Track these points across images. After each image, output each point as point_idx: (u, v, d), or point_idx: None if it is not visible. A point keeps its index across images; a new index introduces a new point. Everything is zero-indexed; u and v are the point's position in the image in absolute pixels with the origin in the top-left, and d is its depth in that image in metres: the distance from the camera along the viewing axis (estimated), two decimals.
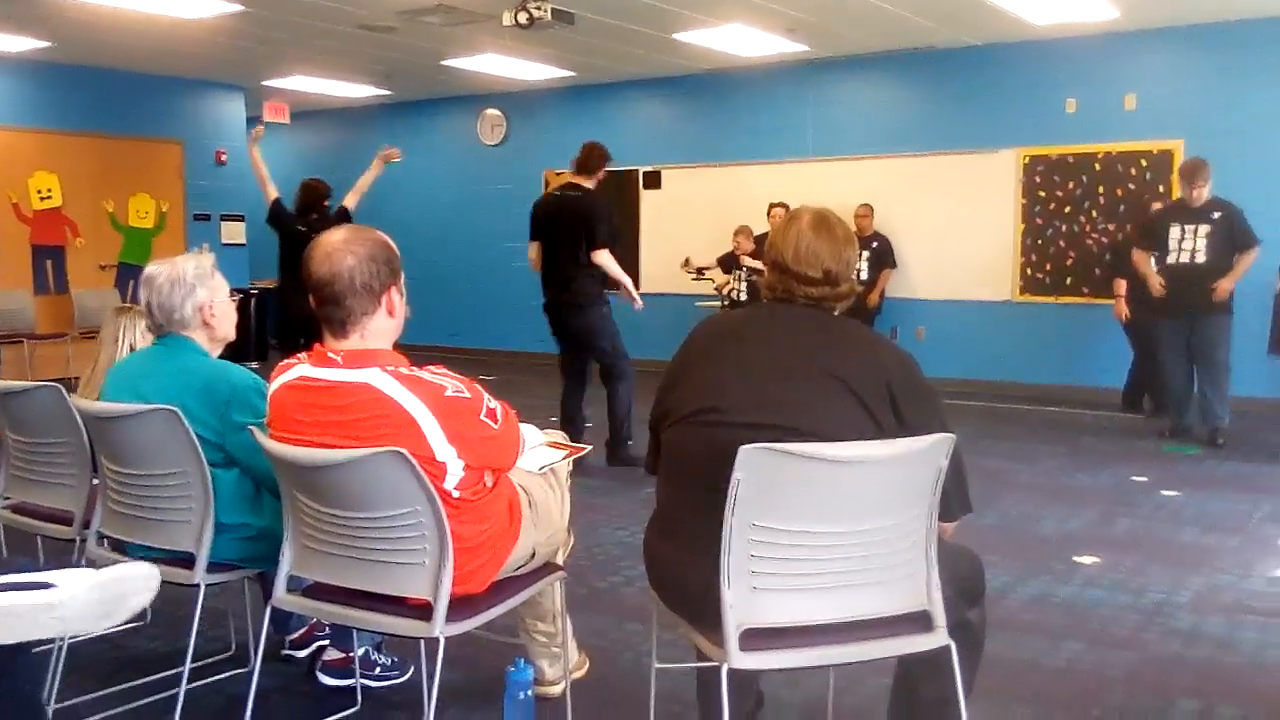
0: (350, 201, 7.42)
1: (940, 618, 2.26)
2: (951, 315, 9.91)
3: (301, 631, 3.41)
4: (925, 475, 2.22)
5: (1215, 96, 8.69)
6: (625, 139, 11.59)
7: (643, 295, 11.22)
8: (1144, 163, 9.04)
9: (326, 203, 7.53)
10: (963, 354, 9.77)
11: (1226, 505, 5.52)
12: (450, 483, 2.35)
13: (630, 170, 11.54)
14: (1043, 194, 9.50)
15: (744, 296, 9.52)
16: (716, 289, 9.92)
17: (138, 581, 2.13)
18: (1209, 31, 8.65)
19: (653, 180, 11.48)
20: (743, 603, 2.14)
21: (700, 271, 9.92)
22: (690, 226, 10.87)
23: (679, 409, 2.36)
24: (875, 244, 9.87)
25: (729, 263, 9.82)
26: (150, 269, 2.89)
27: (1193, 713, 3.07)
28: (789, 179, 10.46)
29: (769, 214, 9.49)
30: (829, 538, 2.17)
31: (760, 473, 2.10)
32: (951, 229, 9.83)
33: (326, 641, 3.33)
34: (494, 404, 2.44)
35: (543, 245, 6.42)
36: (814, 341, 2.32)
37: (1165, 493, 5.82)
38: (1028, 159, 9.51)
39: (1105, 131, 9.16)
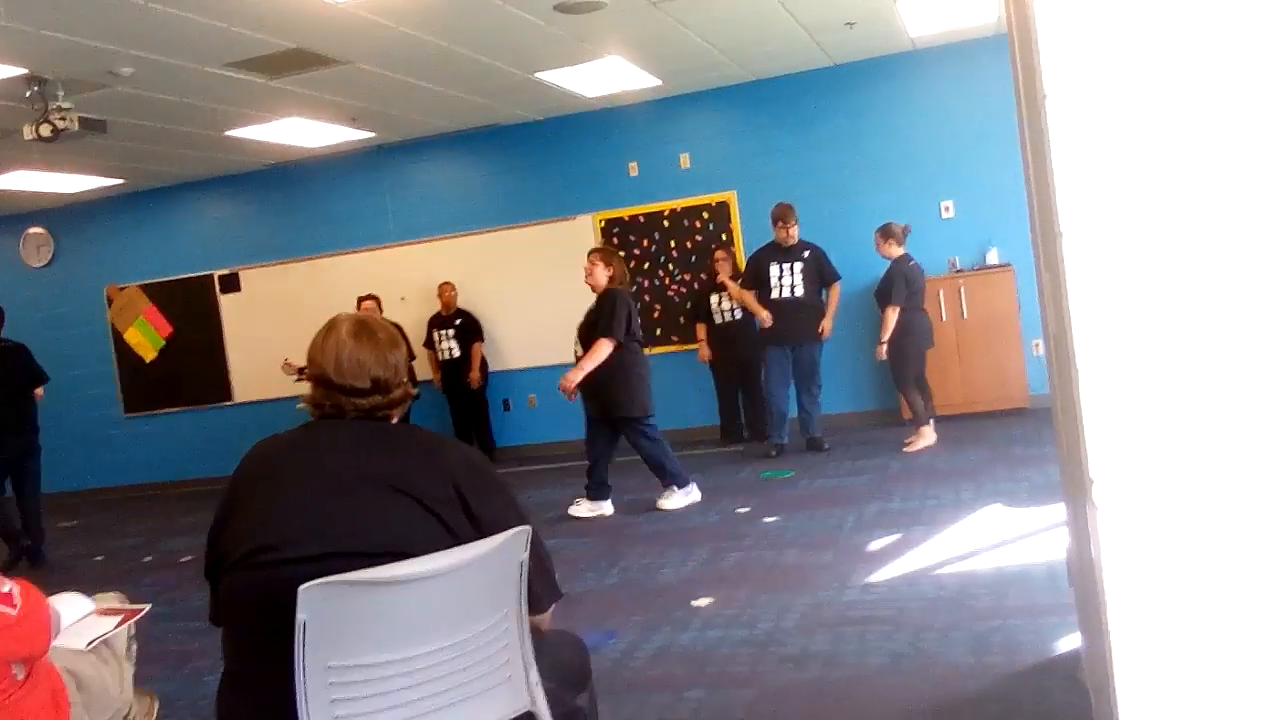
0: None
1: (545, 716, 2.19)
2: (558, 379, 10.08)
3: None
4: (507, 573, 2.15)
5: (755, 148, 9.54)
6: (193, 243, 10.94)
7: (237, 406, 10.81)
8: (705, 215, 9.73)
9: None
10: (574, 415, 9.91)
11: (818, 522, 5.95)
12: None
13: (204, 275, 10.88)
14: (621, 254, 9.92)
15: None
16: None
17: None
18: (741, 91, 9.50)
19: (230, 283, 10.86)
20: None
21: (301, 371, 9.43)
22: (276, 327, 10.34)
23: (232, 552, 2.13)
24: (459, 320, 9.93)
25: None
26: None
27: None
28: (371, 266, 10.32)
29: (359, 308, 9.25)
30: (415, 661, 2.03)
31: (327, 609, 1.93)
32: (544, 296, 10.05)
33: None
34: (8, 586, 2.10)
35: None
36: (371, 455, 2.18)
37: (766, 520, 6.18)
38: (603, 222, 9.95)
39: (667, 190, 9.78)
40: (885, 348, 7.89)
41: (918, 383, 8.04)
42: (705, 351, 9.09)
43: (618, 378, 6.66)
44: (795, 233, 8.14)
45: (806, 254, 8.16)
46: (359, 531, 2.07)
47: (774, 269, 8.15)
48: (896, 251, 7.96)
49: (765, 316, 8.12)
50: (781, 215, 8.13)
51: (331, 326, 2.27)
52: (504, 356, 10.12)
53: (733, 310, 8.88)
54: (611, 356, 6.61)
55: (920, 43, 8.83)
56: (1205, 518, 1.88)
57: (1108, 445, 1.89)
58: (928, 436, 7.88)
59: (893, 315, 7.84)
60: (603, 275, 6.80)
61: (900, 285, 7.85)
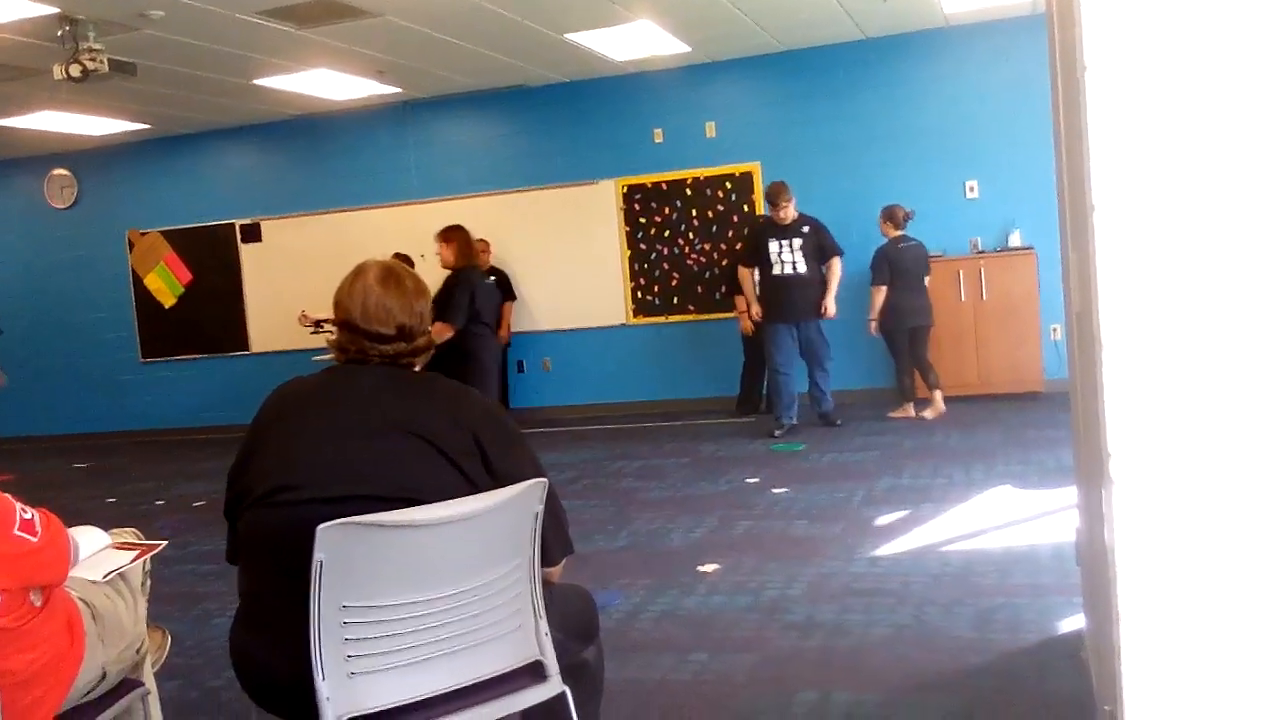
0: None
1: (553, 665, 2.21)
2: (574, 343, 10.13)
3: None
4: (522, 523, 2.17)
5: (783, 119, 9.48)
6: (216, 191, 10.96)
7: (253, 355, 10.87)
8: (729, 185, 9.69)
9: None
10: (588, 380, 10.02)
11: (828, 495, 5.97)
12: None
13: (226, 224, 10.91)
14: (643, 220, 9.94)
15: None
16: None
17: None
18: (771, 61, 9.43)
19: (251, 233, 10.89)
20: (341, 691, 1.99)
21: (319, 324, 9.49)
22: (296, 278, 10.38)
23: (253, 490, 2.16)
24: (494, 277, 9.91)
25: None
26: None
27: (811, 703, 3.23)
28: (392, 222, 10.33)
29: None
30: (428, 605, 2.06)
31: (344, 550, 1.95)
32: (564, 259, 10.06)
33: None
34: (30, 513, 2.12)
35: None
36: (394, 401, 2.20)
37: (776, 490, 6.20)
38: (625, 188, 9.92)
39: (691, 158, 9.73)
40: (873, 324, 8.22)
41: (917, 359, 8.28)
42: (748, 324, 9.00)
43: (458, 365, 6.34)
44: (789, 212, 7.93)
45: (805, 229, 7.95)
46: (378, 475, 2.10)
47: (773, 245, 7.96)
48: (891, 232, 8.22)
49: (756, 312, 8.20)
50: (773, 195, 7.94)
51: (359, 272, 2.29)
52: (520, 319, 10.12)
53: None
54: (458, 342, 6.46)
55: (954, 19, 8.74)
56: (1222, 498, 1.88)
57: (1127, 421, 1.89)
58: (909, 410, 8.31)
59: (875, 294, 8.14)
60: (448, 254, 6.68)
61: (881, 266, 8.13)
